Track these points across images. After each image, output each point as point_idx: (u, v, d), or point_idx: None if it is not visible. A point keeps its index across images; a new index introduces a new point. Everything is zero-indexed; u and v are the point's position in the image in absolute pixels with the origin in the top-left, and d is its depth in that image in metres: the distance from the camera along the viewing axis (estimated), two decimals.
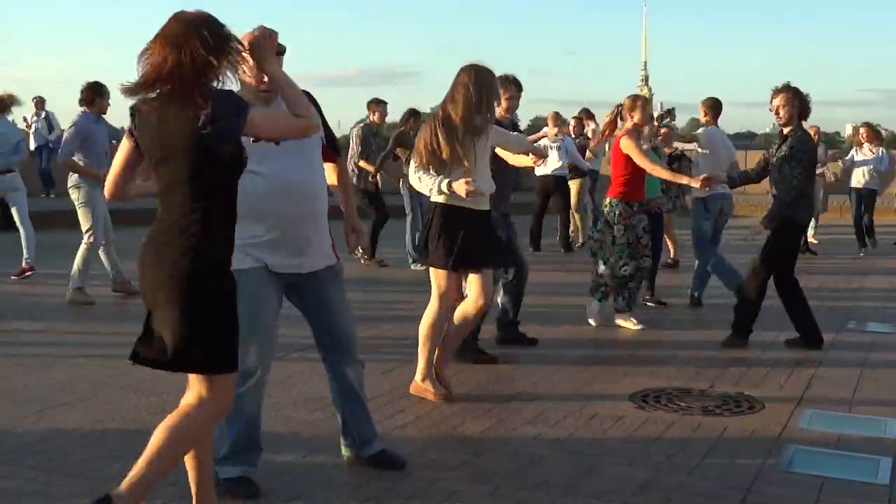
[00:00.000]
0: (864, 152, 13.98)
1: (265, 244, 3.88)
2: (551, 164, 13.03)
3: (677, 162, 11.93)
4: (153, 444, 3.23)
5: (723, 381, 6.03)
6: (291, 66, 3.82)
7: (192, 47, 3.08)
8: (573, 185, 13.76)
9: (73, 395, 5.44)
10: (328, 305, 4.08)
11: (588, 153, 13.05)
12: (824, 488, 4.16)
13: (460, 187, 5.25)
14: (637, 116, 7.67)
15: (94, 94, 8.78)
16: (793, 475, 4.36)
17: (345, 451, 4.37)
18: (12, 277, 9.78)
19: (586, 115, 14.79)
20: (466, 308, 5.60)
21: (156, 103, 3.17)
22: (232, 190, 3.26)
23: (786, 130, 6.96)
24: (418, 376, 5.58)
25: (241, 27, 3.51)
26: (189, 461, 3.41)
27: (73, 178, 8.72)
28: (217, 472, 3.83)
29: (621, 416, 5.23)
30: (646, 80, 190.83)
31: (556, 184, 13.44)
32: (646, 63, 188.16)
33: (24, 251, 9.82)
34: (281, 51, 3.66)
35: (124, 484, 3.20)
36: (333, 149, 4.25)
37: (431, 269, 5.57)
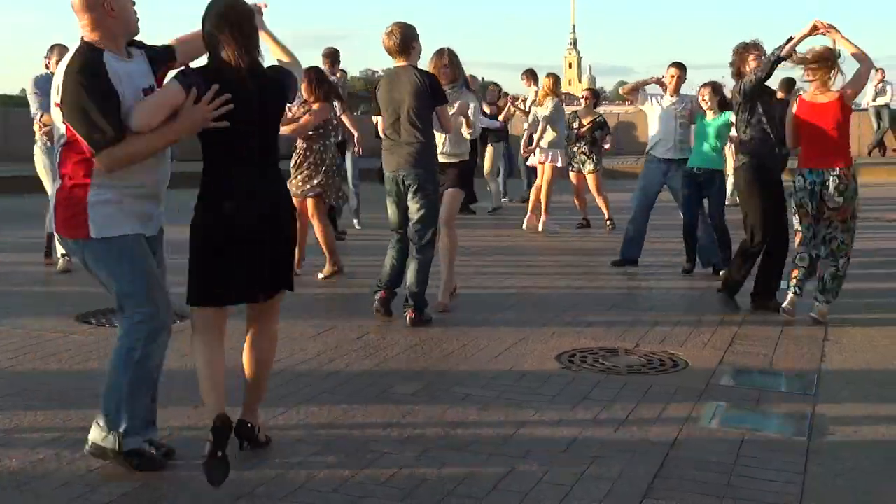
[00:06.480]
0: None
1: (143, 213, 3.89)
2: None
3: (599, 130, 12.02)
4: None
5: (648, 341, 6.13)
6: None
7: None
8: (489, 151, 13.74)
9: (62, 364, 5.38)
10: (160, 265, 4.09)
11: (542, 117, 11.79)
12: (745, 443, 4.27)
13: None
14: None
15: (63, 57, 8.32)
16: (715, 431, 4.47)
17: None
18: None
19: (530, 75, 13.96)
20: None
21: None
22: None
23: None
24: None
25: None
26: None
27: (38, 146, 8.26)
28: (123, 444, 3.80)
29: (549, 377, 5.29)
30: (574, 43, 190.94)
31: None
32: (574, 26, 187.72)
33: None
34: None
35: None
36: None
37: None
